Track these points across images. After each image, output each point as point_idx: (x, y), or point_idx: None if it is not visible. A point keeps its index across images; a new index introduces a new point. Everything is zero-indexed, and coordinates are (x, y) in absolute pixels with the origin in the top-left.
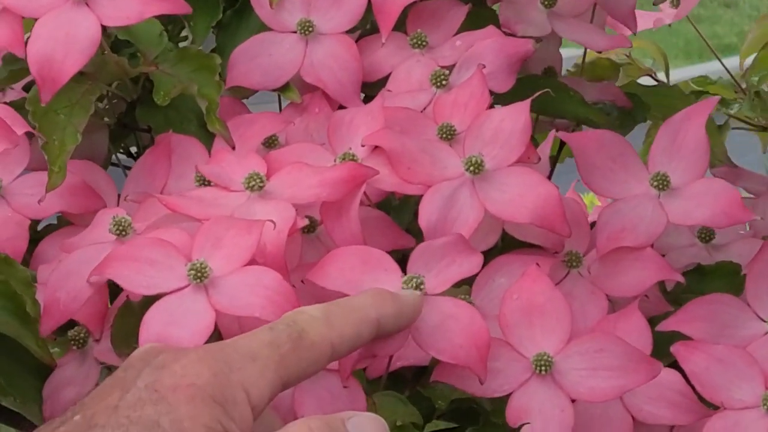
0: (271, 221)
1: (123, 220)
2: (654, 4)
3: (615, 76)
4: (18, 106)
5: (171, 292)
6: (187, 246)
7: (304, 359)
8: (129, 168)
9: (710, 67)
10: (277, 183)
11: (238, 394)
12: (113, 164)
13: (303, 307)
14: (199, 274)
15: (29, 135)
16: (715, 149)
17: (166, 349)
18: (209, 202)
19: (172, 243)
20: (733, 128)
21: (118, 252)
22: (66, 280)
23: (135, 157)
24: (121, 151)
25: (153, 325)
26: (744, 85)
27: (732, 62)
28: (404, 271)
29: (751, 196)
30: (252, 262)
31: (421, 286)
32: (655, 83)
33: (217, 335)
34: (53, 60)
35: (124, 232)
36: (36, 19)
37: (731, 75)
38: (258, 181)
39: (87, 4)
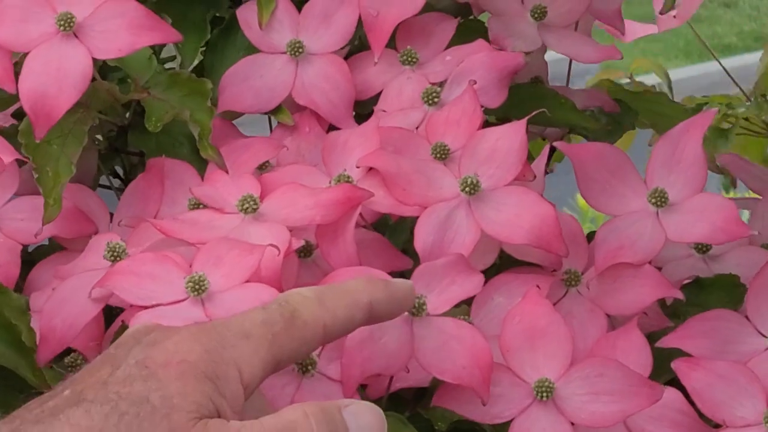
0: (275, 246)
1: (117, 246)
2: (660, 14)
3: None
4: (8, 134)
5: (168, 304)
6: (188, 264)
7: (296, 339)
8: (119, 189)
9: (710, 67)
10: (272, 205)
11: (230, 371)
12: (102, 186)
13: (296, 288)
14: (197, 287)
15: (19, 162)
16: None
17: (158, 328)
18: (203, 225)
19: (174, 259)
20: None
21: (120, 266)
22: (61, 307)
23: (122, 179)
24: (109, 173)
25: (141, 318)
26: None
27: (732, 62)
28: None
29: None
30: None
31: (423, 307)
32: (642, 89)
33: None
34: (47, 96)
35: (118, 258)
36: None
37: (730, 76)
38: (252, 203)
39: (77, 37)
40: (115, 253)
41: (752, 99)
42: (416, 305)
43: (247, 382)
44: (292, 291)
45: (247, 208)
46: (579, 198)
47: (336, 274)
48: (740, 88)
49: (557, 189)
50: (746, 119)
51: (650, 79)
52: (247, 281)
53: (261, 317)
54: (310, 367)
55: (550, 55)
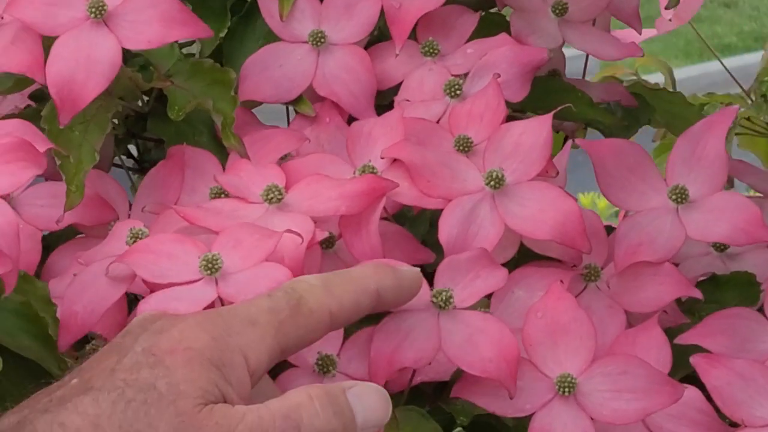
0: (297, 233)
1: (140, 231)
2: (667, 8)
3: None
4: (25, 116)
5: (182, 284)
6: (207, 245)
7: (302, 326)
8: (131, 169)
9: (710, 67)
10: (296, 195)
11: (236, 358)
12: (115, 165)
13: (303, 276)
14: (210, 265)
15: None
16: None
17: (164, 316)
18: (227, 214)
19: (193, 240)
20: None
21: (140, 245)
22: (83, 292)
23: (135, 158)
24: (123, 152)
25: (154, 299)
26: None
27: (732, 62)
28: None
29: (759, 194)
30: None
31: (450, 300)
32: (660, 87)
33: None
34: (74, 82)
35: None
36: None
37: (732, 75)
38: (277, 193)
39: (107, 25)
40: (138, 239)
41: (752, 98)
42: (443, 298)
43: (254, 368)
44: (298, 278)
45: (272, 198)
46: (581, 196)
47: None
48: (742, 88)
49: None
50: (748, 119)
51: (654, 78)
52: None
53: (267, 304)
54: (330, 368)
55: (567, 51)
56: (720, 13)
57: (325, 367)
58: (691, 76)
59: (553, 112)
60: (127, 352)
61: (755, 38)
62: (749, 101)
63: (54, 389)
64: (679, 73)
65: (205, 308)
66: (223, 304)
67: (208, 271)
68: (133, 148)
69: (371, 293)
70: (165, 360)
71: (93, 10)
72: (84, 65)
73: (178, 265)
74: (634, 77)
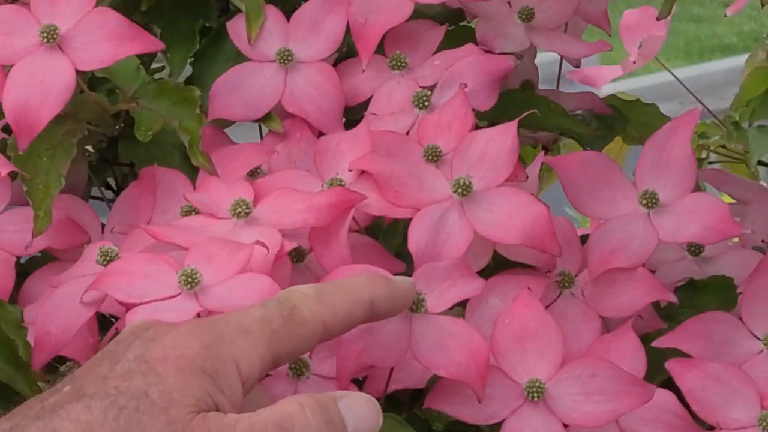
0: (263, 244)
1: (110, 250)
2: (657, 19)
3: None
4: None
5: (162, 299)
6: (179, 263)
7: (295, 336)
8: (110, 200)
9: (710, 67)
10: (264, 209)
11: (228, 367)
12: (93, 197)
13: (296, 286)
14: (189, 280)
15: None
16: None
17: (156, 324)
18: (196, 230)
19: (165, 258)
20: (711, 162)
21: (112, 268)
22: (56, 312)
23: (114, 190)
24: (102, 184)
25: (141, 310)
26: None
27: (732, 62)
28: None
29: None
30: None
31: (423, 303)
32: (634, 98)
33: None
34: (29, 107)
35: (111, 262)
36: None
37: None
38: (244, 207)
39: (60, 49)
40: (108, 258)
41: (725, 126)
42: (416, 301)
43: (246, 377)
44: (292, 288)
45: (240, 212)
46: (569, 211)
47: (332, 275)
48: (713, 114)
49: (552, 198)
50: (724, 146)
51: (654, 79)
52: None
53: (260, 313)
54: (304, 370)
55: (541, 57)
56: (720, 13)
57: (298, 371)
58: (691, 76)
59: (518, 119)
60: (119, 359)
61: (755, 38)
62: (723, 129)
63: (47, 396)
64: (680, 73)
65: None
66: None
67: (188, 286)
68: (111, 181)
69: (365, 303)
70: (157, 368)
71: (45, 35)
72: (39, 89)
73: (155, 283)
74: None
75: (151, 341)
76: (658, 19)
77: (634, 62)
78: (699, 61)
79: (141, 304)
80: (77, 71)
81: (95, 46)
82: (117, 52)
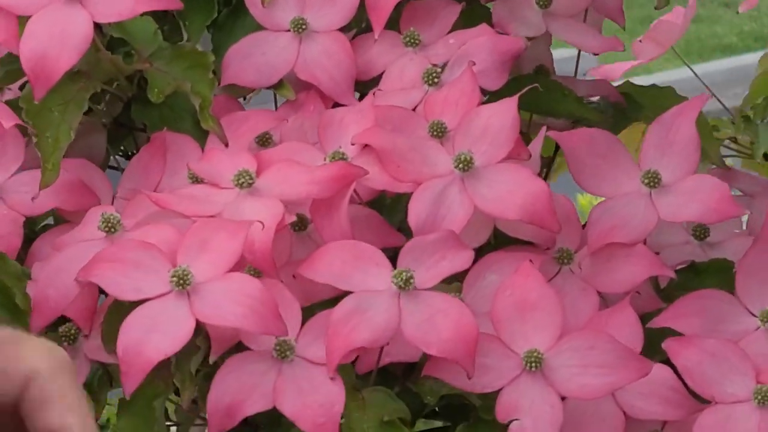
0: (260, 222)
1: (112, 217)
2: (656, 8)
3: None
4: (13, 105)
5: (154, 298)
6: (174, 246)
7: None
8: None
9: (710, 67)
10: (267, 180)
11: None
12: (111, 167)
13: None
14: (181, 281)
15: (24, 134)
16: (709, 151)
17: None
18: (199, 199)
19: (158, 246)
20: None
21: (104, 254)
22: (56, 277)
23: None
24: (120, 153)
25: (133, 330)
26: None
27: (732, 62)
28: (395, 266)
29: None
30: (241, 259)
31: (411, 281)
32: (650, 84)
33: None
34: (46, 57)
35: (113, 229)
36: (29, 17)
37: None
38: (247, 178)
39: (80, 1)
40: (110, 224)
41: (735, 119)
42: (403, 278)
43: None
44: None
45: (243, 182)
46: (579, 197)
47: (327, 248)
48: (724, 105)
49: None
50: (735, 141)
51: (655, 78)
52: (239, 260)
53: None
54: (288, 353)
55: (557, 53)
56: (720, 13)
57: (282, 353)
58: (691, 76)
59: (518, 94)
60: None
61: (755, 38)
62: (732, 123)
63: None
64: (680, 73)
65: (183, 333)
66: (199, 326)
67: (180, 286)
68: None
69: None
70: None
71: None
72: (57, 40)
73: (147, 274)
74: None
75: None
76: (656, 8)
77: (650, 52)
78: (699, 61)
79: (133, 300)
80: (96, 25)
81: (114, 0)
82: (136, 7)
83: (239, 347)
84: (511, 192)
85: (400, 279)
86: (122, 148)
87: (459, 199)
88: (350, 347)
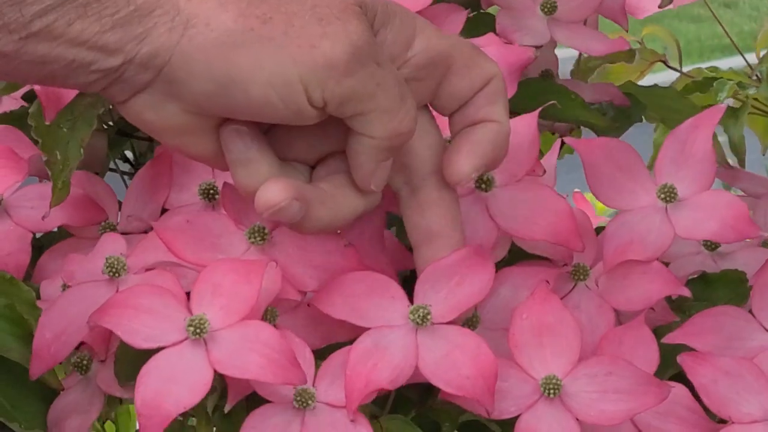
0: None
1: (117, 261)
2: (660, 7)
3: (630, 61)
4: (17, 115)
5: (169, 346)
6: (183, 291)
7: None
8: (126, 173)
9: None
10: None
11: None
12: (111, 170)
13: None
14: (198, 330)
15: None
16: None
17: None
18: (210, 244)
19: (171, 291)
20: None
21: (116, 300)
22: (59, 320)
23: (131, 163)
24: (118, 156)
25: (151, 381)
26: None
27: (732, 62)
28: (411, 291)
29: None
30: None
31: (428, 317)
32: (652, 84)
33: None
34: None
35: (117, 274)
36: None
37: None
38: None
39: None
40: (114, 269)
41: (758, 75)
42: (420, 315)
43: None
44: None
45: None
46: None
47: (344, 278)
48: (746, 61)
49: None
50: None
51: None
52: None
53: None
54: (310, 401)
55: (560, 53)
56: (720, 13)
57: (303, 402)
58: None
59: (537, 111)
60: None
61: (755, 38)
62: (755, 77)
63: None
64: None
65: (202, 383)
66: (216, 375)
67: (197, 335)
68: (129, 154)
69: None
70: None
71: None
72: None
73: (161, 322)
74: (640, 45)
75: None
76: (660, 7)
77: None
78: (699, 60)
79: (147, 348)
80: None
81: None
82: None
83: (258, 401)
84: (533, 212)
85: (417, 315)
86: (122, 152)
87: (481, 220)
88: (370, 389)
